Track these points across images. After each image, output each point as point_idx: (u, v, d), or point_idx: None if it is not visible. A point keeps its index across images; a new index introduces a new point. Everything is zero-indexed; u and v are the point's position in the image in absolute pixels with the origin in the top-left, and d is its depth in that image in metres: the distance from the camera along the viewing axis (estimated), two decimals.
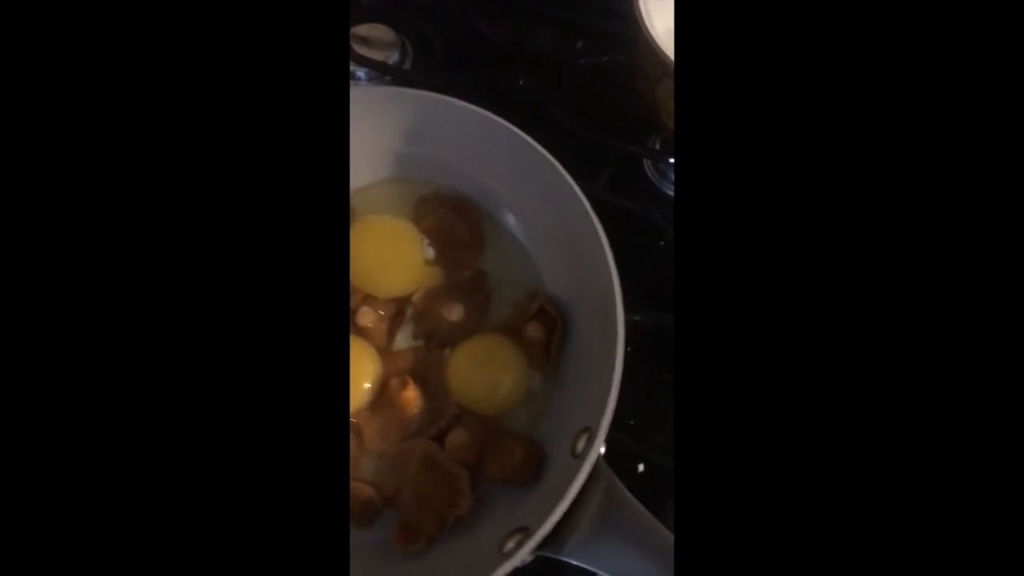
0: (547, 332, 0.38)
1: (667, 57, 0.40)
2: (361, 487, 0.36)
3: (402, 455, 0.37)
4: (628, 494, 0.32)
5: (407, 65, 0.54)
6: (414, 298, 0.40)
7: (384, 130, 0.43)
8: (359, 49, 0.52)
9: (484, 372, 0.38)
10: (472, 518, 0.35)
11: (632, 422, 0.43)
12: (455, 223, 0.42)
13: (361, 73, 0.53)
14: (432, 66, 0.53)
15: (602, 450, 0.33)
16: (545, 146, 0.39)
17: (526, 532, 0.32)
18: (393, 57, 0.53)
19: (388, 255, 0.41)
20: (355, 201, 0.43)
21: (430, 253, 0.42)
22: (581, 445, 0.33)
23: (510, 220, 0.43)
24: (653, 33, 0.41)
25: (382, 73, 0.52)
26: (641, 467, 0.41)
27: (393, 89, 0.42)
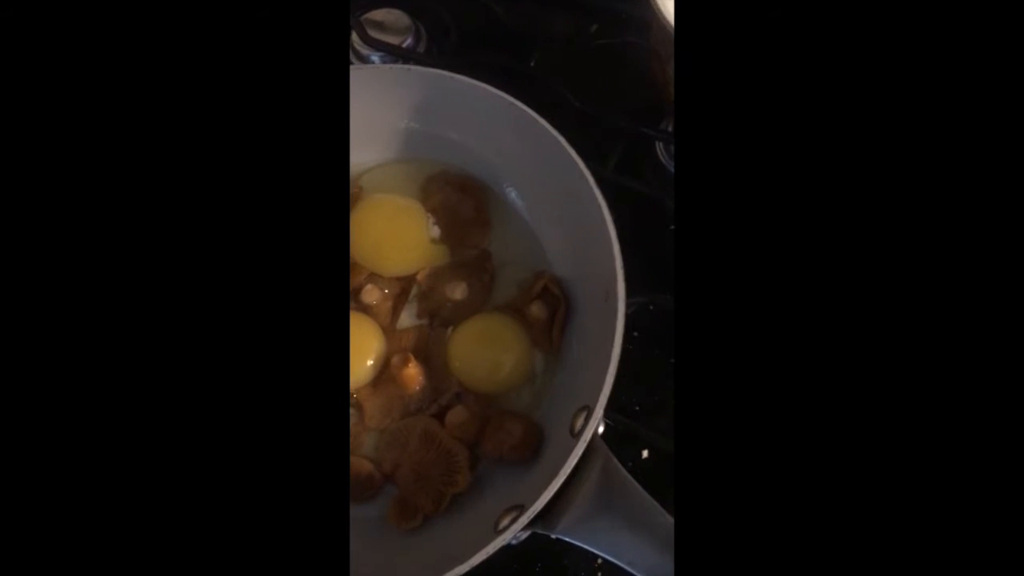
0: (550, 312, 0.38)
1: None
2: (361, 462, 0.36)
3: (402, 431, 0.37)
4: (626, 474, 0.32)
5: (421, 49, 0.54)
6: (419, 277, 0.40)
7: (392, 109, 0.43)
8: (373, 33, 0.53)
9: (486, 351, 0.38)
10: (469, 496, 0.35)
11: (637, 407, 0.42)
12: (461, 202, 0.42)
13: (375, 57, 0.53)
14: (446, 51, 0.53)
15: (600, 429, 0.32)
16: (555, 125, 0.39)
17: (521, 509, 0.31)
18: (407, 41, 0.53)
19: (394, 234, 0.41)
20: (363, 180, 0.44)
21: (436, 232, 0.42)
22: (579, 424, 0.33)
23: (516, 200, 0.42)
24: (664, 12, 0.41)
25: (396, 57, 0.53)
26: (646, 453, 0.41)
27: (401, 67, 0.42)
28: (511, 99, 0.39)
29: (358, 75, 0.44)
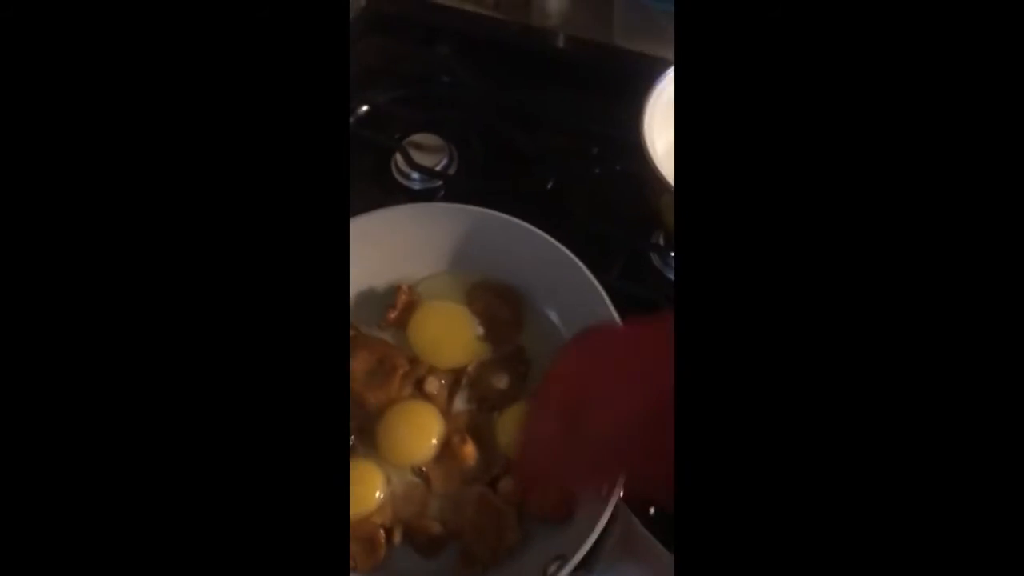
0: None
1: (664, 177, 0.51)
2: (430, 524, 0.46)
3: (462, 498, 0.46)
4: (642, 528, 0.42)
5: (452, 171, 0.65)
6: (468, 369, 0.50)
7: (442, 233, 0.54)
8: (415, 155, 0.64)
9: None
10: (520, 547, 0.45)
11: None
12: (500, 307, 0.53)
13: (415, 175, 0.64)
14: (475, 172, 0.64)
15: (621, 493, 0.42)
16: (568, 239, 0.50)
17: (563, 558, 0.41)
18: (442, 161, 0.65)
19: (448, 333, 0.52)
20: (419, 288, 0.54)
21: (480, 331, 0.52)
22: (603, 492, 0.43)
23: (544, 305, 0.53)
24: (654, 154, 0.52)
25: (432, 177, 0.64)
26: (652, 510, 0.51)
27: (452, 206, 0.54)
28: (541, 233, 0.51)
29: (417, 210, 0.56)
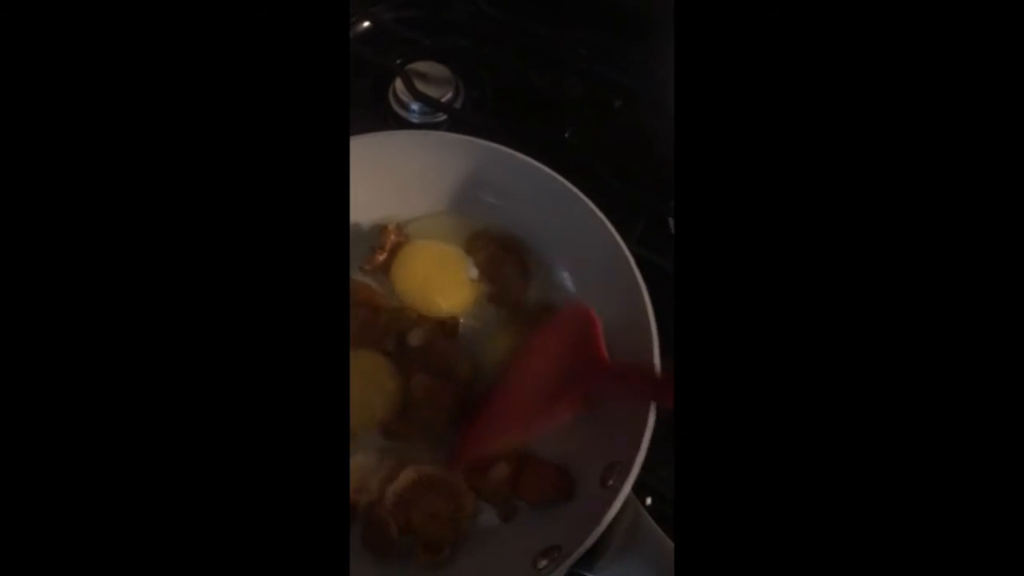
0: None
1: None
2: (386, 516, 0.39)
3: (405, 494, 0.40)
4: (651, 521, 0.37)
5: (458, 105, 0.58)
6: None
7: (445, 168, 0.47)
8: (418, 84, 0.56)
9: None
10: (505, 536, 0.39)
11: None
12: (504, 260, 0.46)
13: (415, 107, 0.57)
14: (483, 109, 0.57)
15: (631, 483, 0.37)
16: (587, 196, 0.44)
17: (559, 550, 0.36)
18: (447, 95, 0.57)
19: (437, 275, 0.45)
20: (411, 228, 0.47)
21: (474, 273, 0.46)
22: (612, 478, 0.37)
23: (556, 262, 0.47)
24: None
25: (435, 110, 0.56)
26: (649, 500, 0.45)
27: (458, 136, 0.46)
28: (564, 181, 0.44)
29: (417, 138, 0.48)
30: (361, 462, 0.40)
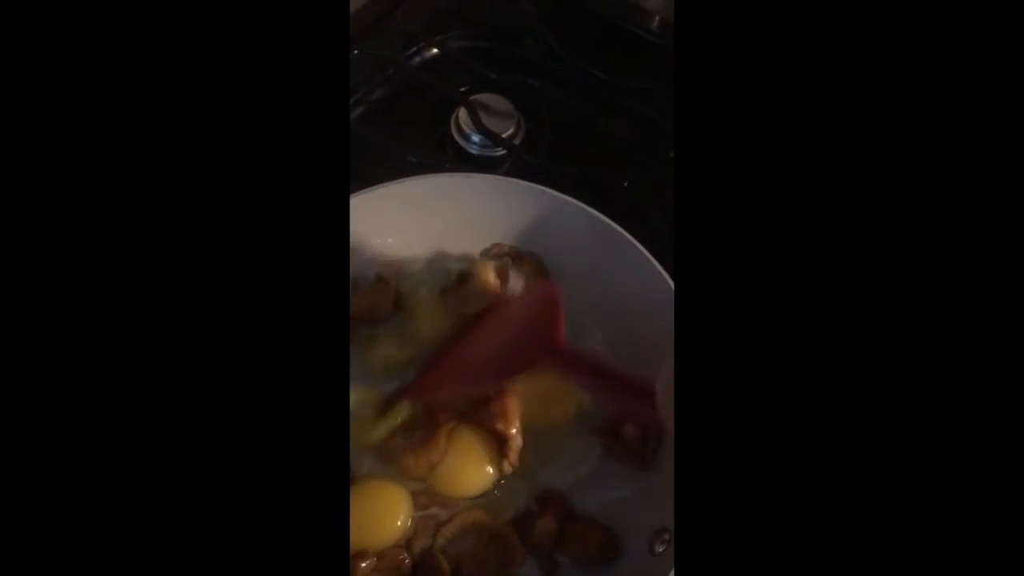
0: (642, 430, 0.42)
1: None
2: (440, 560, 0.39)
3: (455, 534, 0.40)
4: None
5: (518, 139, 0.58)
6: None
7: (506, 213, 0.47)
8: (481, 115, 0.56)
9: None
10: None
11: None
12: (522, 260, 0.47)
13: (476, 138, 0.57)
14: (540, 147, 0.57)
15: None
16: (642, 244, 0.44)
17: None
18: (509, 130, 0.57)
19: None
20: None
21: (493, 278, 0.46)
22: (660, 545, 0.37)
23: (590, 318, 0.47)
24: None
25: (495, 143, 0.56)
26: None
27: (538, 188, 0.46)
28: (627, 235, 0.44)
29: (489, 183, 0.47)
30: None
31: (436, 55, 0.60)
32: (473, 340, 0.43)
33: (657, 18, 0.65)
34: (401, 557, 0.38)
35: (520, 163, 0.56)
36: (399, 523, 0.40)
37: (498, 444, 0.41)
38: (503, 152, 0.57)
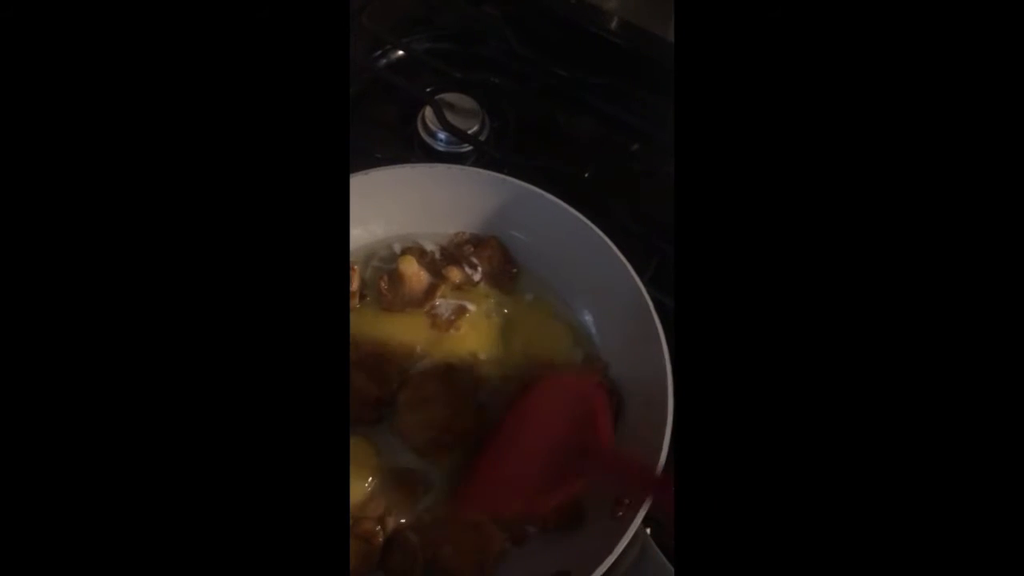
0: None
1: None
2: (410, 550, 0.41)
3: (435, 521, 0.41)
4: (658, 551, 0.39)
5: (483, 137, 0.60)
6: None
7: (472, 202, 0.49)
8: (447, 113, 0.59)
9: None
10: (516, 562, 0.41)
11: None
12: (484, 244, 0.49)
13: (442, 135, 0.59)
14: (505, 144, 0.60)
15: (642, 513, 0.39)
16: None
17: (567, 575, 0.38)
18: (474, 127, 0.60)
19: None
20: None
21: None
22: (623, 510, 0.40)
23: (580, 306, 0.49)
24: None
25: (460, 139, 0.59)
26: (649, 530, 0.48)
27: (497, 176, 0.48)
28: (591, 224, 0.47)
29: (452, 173, 0.50)
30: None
31: (402, 57, 0.62)
32: (514, 446, 0.41)
33: (615, 18, 0.68)
34: (377, 529, 0.40)
35: (486, 158, 0.58)
36: (366, 485, 0.41)
37: None
38: (469, 148, 0.59)
